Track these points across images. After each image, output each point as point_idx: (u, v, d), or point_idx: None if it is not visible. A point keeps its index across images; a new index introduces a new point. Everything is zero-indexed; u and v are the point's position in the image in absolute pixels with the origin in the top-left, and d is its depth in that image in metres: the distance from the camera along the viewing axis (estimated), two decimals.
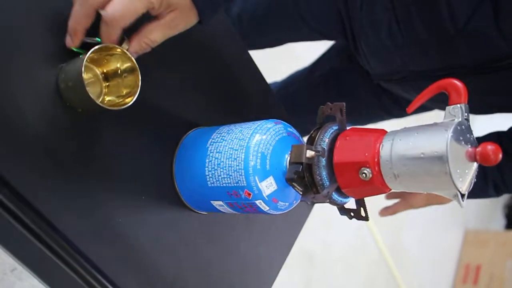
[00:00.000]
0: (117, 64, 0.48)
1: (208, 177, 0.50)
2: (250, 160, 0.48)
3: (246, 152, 0.48)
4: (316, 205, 1.90)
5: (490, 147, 0.39)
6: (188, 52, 0.59)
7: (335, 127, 0.47)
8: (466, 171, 0.40)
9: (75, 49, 0.46)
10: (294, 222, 0.71)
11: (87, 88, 0.42)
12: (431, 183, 0.40)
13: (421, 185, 0.41)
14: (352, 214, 0.48)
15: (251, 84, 0.67)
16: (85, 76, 0.42)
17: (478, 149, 0.39)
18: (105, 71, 0.49)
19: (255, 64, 0.66)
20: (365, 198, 0.47)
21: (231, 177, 0.49)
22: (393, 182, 0.42)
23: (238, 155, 0.48)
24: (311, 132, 0.47)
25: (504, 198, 3.83)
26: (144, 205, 0.52)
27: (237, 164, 0.48)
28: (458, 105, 0.42)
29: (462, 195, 0.41)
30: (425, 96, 0.44)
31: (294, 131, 0.52)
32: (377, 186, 0.43)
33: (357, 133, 0.45)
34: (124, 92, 0.48)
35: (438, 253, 2.72)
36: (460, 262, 2.90)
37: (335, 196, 0.46)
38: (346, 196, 0.47)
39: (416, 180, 0.41)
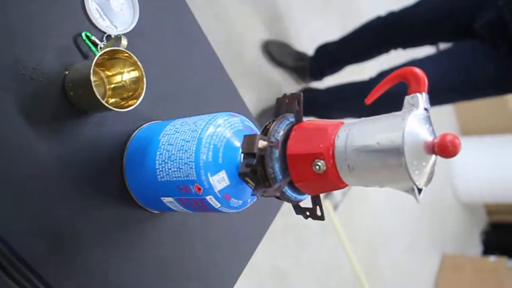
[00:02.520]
0: (121, 68, 0.49)
1: (158, 171, 0.47)
2: (202, 152, 0.45)
3: (197, 144, 0.45)
4: (290, 223, 1.87)
5: (449, 138, 0.36)
6: (146, 44, 0.56)
7: (292, 119, 0.44)
8: (424, 163, 0.37)
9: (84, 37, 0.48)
10: (256, 229, 0.67)
11: (94, 89, 0.43)
12: (387, 176, 0.38)
13: (377, 178, 0.39)
14: (307, 213, 0.45)
15: (211, 76, 0.64)
16: (92, 78, 0.43)
17: (436, 140, 0.37)
18: (109, 73, 0.50)
19: (215, 55, 0.64)
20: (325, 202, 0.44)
21: (181, 170, 0.46)
22: (347, 175, 0.39)
23: (189, 147, 0.46)
24: (266, 123, 0.44)
25: (481, 224, 3.84)
26: (91, 201, 0.48)
27: (188, 156, 0.45)
28: (417, 94, 0.39)
29: (419, 190, 0.38)
30: (384, 85, 0.42)
31: (252, 125, 0.49)
32: (332, 179, 0.40)
33: (313, 124, 0.42)
34: (128, 95, 0.49)
35: (414, 276, 2.69)
36: (436, 286, 2.87)
37: (289, 191, 0.43)
38: (301, 193, 0.44)
39: (372, 173, 0.38)
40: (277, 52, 1.64)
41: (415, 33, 1.36)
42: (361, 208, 2.30)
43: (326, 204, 1.98)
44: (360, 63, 1.61)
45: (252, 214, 0.63)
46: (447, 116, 3.38)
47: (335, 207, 2.05)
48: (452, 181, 3.31)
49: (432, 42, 1.41)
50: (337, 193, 2.06)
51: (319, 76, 1.68)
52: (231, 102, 0.67)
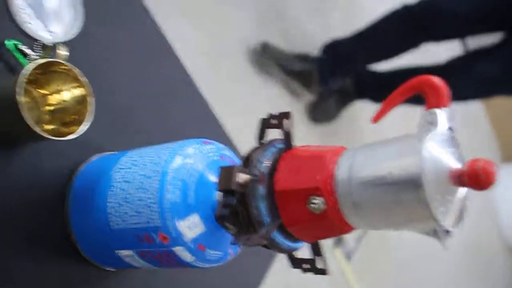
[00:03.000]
0: (60, 84, 0.49)
1: (111, 216, 0.47)
2: (167, 191, 0.45)
3: (161, 180, 0.45)
4: (293, 282, 1.85)
5: (480, 164, 0.36)
6: (92, 54, 0.56)
7: (280, 145, 0.44)
8: (450, 197, 0.37)
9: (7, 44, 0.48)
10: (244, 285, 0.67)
11: (24, 113, 0.43)
12: (403, 216, 0.38)
13: (390, 219, 0.39)
14: (306, 266, 0.45)
15: (179, 94, 0.65)
16: (21, 99, 0.43)
17: (465, 168, 0.37)
18: (45, 92, 0.50)
19: (183, 67, 0.64)
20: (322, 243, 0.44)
21: (141, 215, 0.45)
22: (353, 215, 0.39)
23: (151, 185, 0.46)
24: (248, 152, 0.44)
25: None
26: (25, 256, 0.48)
27: (149, 196, 0.45)
28: (437, 110, 0.40)
29: (446, 232, 0.38)
30: (394, 100, 0.43)
31: (231, 155, 0.49)
32: (333, 221, 0.40)
33: (307, 151, 0.42)
34: (71, 119, 0.49)
35: None
36: None
37: (279, 238, 0.42)
38: (295, 240, 0.43)
39: (383, 212, 0.38)
40: (276, 57, 1.66)
41: (457, 21, 1.44)
42: (383, 256, 2.29)
43: (337, 253, 1.97)
44: (380, 62, 1.64)
45: (237, 269, 0.63)
46: (485, 140, 3.41)
47: (349, 256, 2.04)
48: (496, 219, 3.32)
49: (472, 32, 1.51)
50: (349, 238, 2.05)
51: (330, 79, 1.71)
52: (204, 125, 0.67)
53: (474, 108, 3.29)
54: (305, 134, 1.86)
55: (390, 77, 1.68)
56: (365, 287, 2.08)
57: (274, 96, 1.79)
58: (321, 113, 1.82)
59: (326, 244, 1.94)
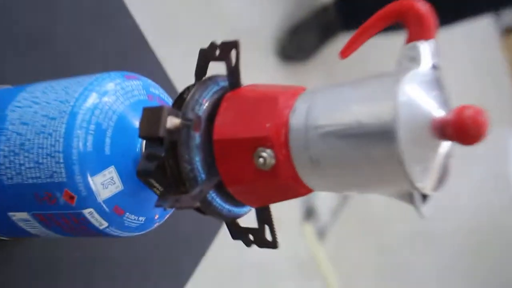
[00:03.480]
0: None
1: (2, 167, 0.47)
2: (77, 137, 0.45)
3: (69, 122, 0.45)
4: (249, 259, 1.91)
5: (468, 112, 0.37)
6: None
7: (223, 82, 0.45)
8: (430, 153, 0.38)
9: None
10: (179, 268, 0.68)
11: None
12: (372, 176, 0.39)
13: (356, 178, 0.39)
14: (251, 237, 0.46)
15: (111, 20, 0.64)
16: None
17: (450, 116, 0.38)
18: None
19: None
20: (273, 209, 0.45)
21: (41, 167, 0.46)
22: (310, 173, 0.40)
23: (55, 128, 0.46)
24: (183, 89, 0.44)
25: None
26: None
27: (53, 143, 0.45)
28: (420, 43, 0.40)
29: (424, 197, 0.39)
30: (368, 30, 0.43)
31: (162, 94, 0.50)
32: (285, 180, 0.40)
33: (257, 91, 0.43)
34: None
35: None
36: None
37: (217, 201, 0.43)
38: (238, 204, 0.44)
39: (347, 170, 0.39)
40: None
41: None
42: (365, 235, 2.34)
43: (306, 229, 2.01)
44: None
45: (169, 239, 0.64)
46: (506, 100, 3.48)
47: (321, 234, 2.08)
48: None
49: None
50: (323, 210, 2.09)
51: (353, 21, 1.76)
52: (137, 59, 0.67)
53: (494, 61, 3.36)
54: (272, 77, 1.88)
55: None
56: (340, 273, 2.13)
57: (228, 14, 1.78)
58: (294, 48, 1.84)
59: (293, 217, 1.97)
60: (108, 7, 0.67)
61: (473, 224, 2.97)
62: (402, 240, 2.52)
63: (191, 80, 0.45)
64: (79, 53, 0.62)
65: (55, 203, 0.46)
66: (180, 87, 0.67)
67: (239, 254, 1.70)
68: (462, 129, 0.37)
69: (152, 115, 0.41)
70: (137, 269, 0.64)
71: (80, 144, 0.45)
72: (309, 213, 2.01)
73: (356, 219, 2.24)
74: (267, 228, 0.45)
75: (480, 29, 3.25)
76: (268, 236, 0.45)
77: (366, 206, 2.28)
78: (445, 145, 0.39)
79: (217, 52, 0.45)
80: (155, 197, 0.47)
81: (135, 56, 0.67)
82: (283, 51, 1.91)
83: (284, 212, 1.65)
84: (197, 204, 0.41)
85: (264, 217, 0.45)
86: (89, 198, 0.45)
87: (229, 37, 0.48)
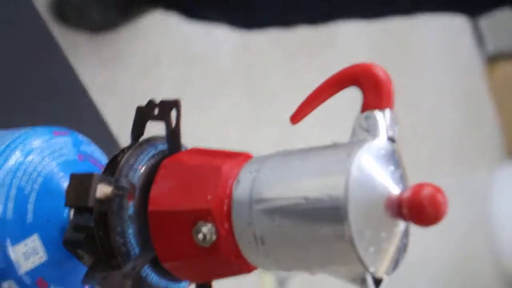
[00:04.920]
0: None
1: None
2: None
3: None
4: None
5: (426, 191, 0.38)
6: None
7: (162, 146, 0.45)
8: (384, 234, 0.39)
9: None
10: None
11: None
12: (320, 257, 0.40)
13: (304, 259, 0.40)
14: None
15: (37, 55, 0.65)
16: None
17: (406, 194, 0.39)
18: None
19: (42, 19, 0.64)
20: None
21: None
22: (254, 251, 0.41)
23: None
24: (116, 153, 0.45)
25: None
26: None
27: None
28: (376, 112, 0.42)
29: (377, 282, 0.40)
30: (322, 94, 0.44)
31: (96, 154, 0.50)
32: (227, 257, 0.41)
33: (199, 157, 0.44)
34: None
35: None
36: None
37: (153, 277, 0.44)
38: (175, 279, 0.45)
39: (295, 250, 0.40)
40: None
41: None
42: (331, 283, 2.34)
43: (265, 280, 2.00)
44: None
45: None
46: (488, 134, 3.53)
47: (282, 283, 2.08)
48: (492, 238, 3.43)
49: None
50: None
51: None
52: (72, 109, 0.67)
53: (477, 91, 3.41)
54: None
55: None
56: None
57: None
58: (73, 7, 1.69)
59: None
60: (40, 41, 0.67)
61: (446, 275, 2.99)
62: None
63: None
64: (11, 101, 0.62)
65: None
66: (121, 138, 0.68)
67: None
68: (419, 209, 0.38)
69: (80, 183, 0.42)
70: None
71: (0, 210, 0.45)
72: None
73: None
74: None
75: (463, 56, 3.31)
76: None
77: None
78: (401, 225, 0.40)
79: (156, 111, 0.46)
80: (84, 268, 0.47)
81: (69, 100, 0.67)
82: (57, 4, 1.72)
83: None
84: (130, 281, 0.42)
85: None
86: (9, 270, 0.45)
87: None
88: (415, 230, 0.41)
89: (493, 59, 3.50)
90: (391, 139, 0.42)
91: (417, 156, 2.58)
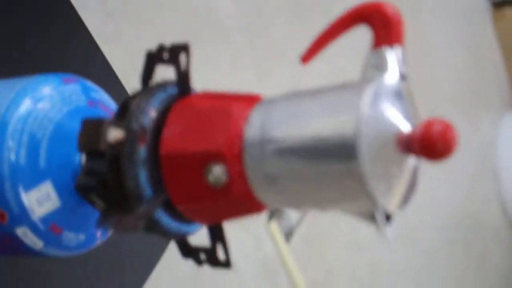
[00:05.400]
0: None
1: None
2: (8, 149, 0.46)
3: (0, 132, 0.46)
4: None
5: (436, 127, 0.39)
6: None
7: (172, 90, 0.46)
8: (394, 170, 0.40)
9: None
10: (128, 280, 0.69)
11: None
12: (333, 193, 0.40)
13: (315, 196, 0.41)
14: (203, 256, 0.47)
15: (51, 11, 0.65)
16: None
17: (416, 131, 0.39)
18: None
19: None
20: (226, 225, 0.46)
21: None
22: (265, 190, 0.41)
23: None
24: (126, 97, 0.45)
25: None
26: None
27: None
28: (387, 49, 0.42)
29: (388, 217, 0.40)
30: (332, 33, 0.44)
31: (105, 100, 0.50)
32: (238, 198, 0.42)
33: (210, 99, 0.44)
34: None
35: None
36: None
37: (165, 219, 0.44)
38: (187, 221, 0.45)
39: (305, 188, 0.40)
40: None
41: None
42: (335, 235, 2.36)
43: (272, 227, 2.02)
44: None
45: (112, 256, 0.64)
46: (495, 82, 3.52)
47: (288, 234, 2.10)
48: (498, 186, 3.45)
49: None
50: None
51: None
52: (81, 58, 0.67)
53: (484, 39, 3.39)
54: None
55: None
56: (313, 278, 2.15)
57: None
58: None
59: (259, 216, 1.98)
60: None
61: (453, 219, 3.01)
62: (376, 237, 2.55)
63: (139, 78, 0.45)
64: (8, 44, 0.62)
65: None
66: (128, 84, 0.68)
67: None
68: (430, 145, 0.39)
69: (92, 128, 0.42)
70: None
71: (12, 157, 0.45)
72: (276, 212, 2.02)
73: (327, 216, 2.26)
74: (220, 246, 0.47)
75: (469, 2, 3.29)
76: (221, 254, 0.47)
77: None
78: (412, 160, 0.41)
79: (166, 56, 0.46)
80: (97, 213, 0.48)
81: (77, 49, 0.67)
82: None
83: None
84: (143, 224, 0.43)
85: (217, 234, 0.46)
86: (22, 216, 0.45)
87: None
88: (424, 175, 0.42)
89: (500, 5, 3.50)
90: (402, 76, 0.42)
91: (422, 104, 2.58)
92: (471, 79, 3.21)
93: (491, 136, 3.36)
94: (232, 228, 0.46)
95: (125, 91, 0.69)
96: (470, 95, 3.27)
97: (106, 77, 0.68)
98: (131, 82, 0.67)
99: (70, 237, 0.48)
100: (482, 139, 3.31)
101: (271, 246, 2.02)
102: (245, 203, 0.42)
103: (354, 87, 0.40)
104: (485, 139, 3.33)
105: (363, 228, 2.44)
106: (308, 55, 0.46)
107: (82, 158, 0.47)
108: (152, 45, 0.59)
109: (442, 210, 2.94)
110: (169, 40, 1.79)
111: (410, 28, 2.11)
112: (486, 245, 3.33)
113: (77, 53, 0.68)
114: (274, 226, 2.03)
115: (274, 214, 2.04)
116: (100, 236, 0.50)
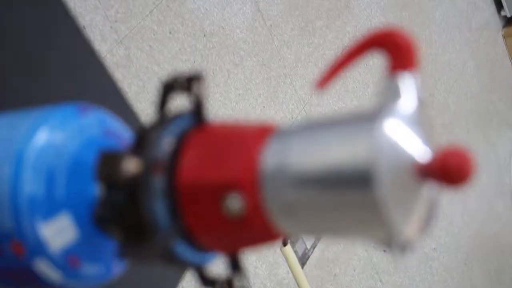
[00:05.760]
0: None
1: None
2: (25, 180, 0.45)
3: (17, 164, 0.46)
4: None
5: (453, 155, 0.39)
6: None
7: (187, 119, 0.46)
8: (412, 196, 0.40)
9: None
10: None
11: None
12: (351, 221, 0.40)
13: (334, 224, 0.41)
14: (220, 286, 0.47)
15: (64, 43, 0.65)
16: None
17: (432, 160, 0.39)
18: None
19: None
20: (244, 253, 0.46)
21: None
22: (284, 219, 0.41)
23: (1, 171, 0.46)
24: (143, 128, 0.46)
25: None
26: None
27: None
28: (402, 75, 0.42)
29: (406, 244, 0.40)
30: (348, 60, 0.44)
31: (120, 130, 0.50)
32: (256, 228, 0.42)
33: (224, 129, 0.44)
34: None
35: None
36: None
37: (181, 249, 0.44)
38: (205, 250, 0.45)
39: (326, 217, 0.40)
40: None
41: None
42: (353, 258, 2.35)
43: (286, 252, 2.02)
44: None
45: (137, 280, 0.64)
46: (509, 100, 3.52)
47: (304, 258, 2.09)
48: None
49: None
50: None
51: None
52: (96, 90, 0.67)
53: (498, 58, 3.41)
54: None
55: None
56: None
57: None
58: None
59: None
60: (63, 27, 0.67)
61: (472, 240, 3.00)
62: (392, 261, 2.54)
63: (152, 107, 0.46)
64: (30, 82, 0.63)
65: (1, 255, 0.46)
66: (141, 111, 0.69)
67: None
68: (448, 175, 0.39)
69: (109, 160, 0.43)
70: None
71: (30, 188, 0.45)
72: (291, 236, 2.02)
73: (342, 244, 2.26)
74: (238, 275, 0.47)
75: (483, 21, 3.30)
76: (239, 283, 0.46)
77: None
78: (430, 189, 0.41)
79: (180, 85, 0.46)
80: (115, 244, 0.48)
81: (89, 75, 0.68)
82: None
83: None
84: (160, 253, 0.43)
85: (234, 264, 0.46)
86: (40, 248, 0.45)
87: None
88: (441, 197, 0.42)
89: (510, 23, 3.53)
90: (419, 101, 0.42)
91: (438, 124, 2.58)
92: (485, 98, 3.21)
93: (507, 155, 3.35)
94: (247, 254, 0.47)
95: (137, 117, 0.70)
96: (486, 114, 3.27)
97: (119, 102, 0.68)
98: (143, 105, 0.67)
99: (88, 269, 0.47)
100: (499, 159, 3.30)
101: (286, 270, 2.02)
102: (262, 233, 0.42)
103: (370, 115, 0.40)
104: (501, 159, 3.32)
105: (379, 252, 2.43)
106: (324, 82, 0.46)
107: (99, 189, 0.47)
108: (163, 70, 0.60)
109: (460, 232, 2.93)
110: (181, 64, 1.80)
111: (423, 48, 2.12)
112: (503, 265, 3.31)
113: (89, 80, 0.68)
114: (289, 250, 2.03)
115: (289, 238, 2.03)
116: (118, 268, 0.50)
